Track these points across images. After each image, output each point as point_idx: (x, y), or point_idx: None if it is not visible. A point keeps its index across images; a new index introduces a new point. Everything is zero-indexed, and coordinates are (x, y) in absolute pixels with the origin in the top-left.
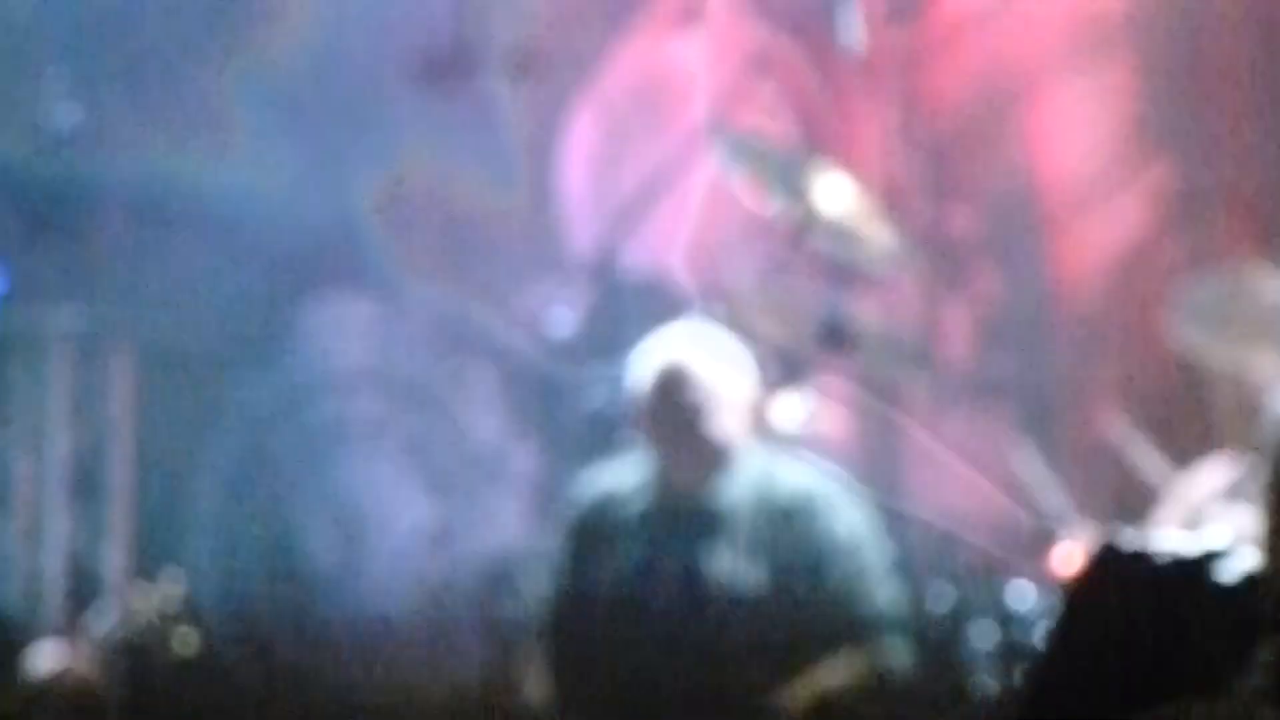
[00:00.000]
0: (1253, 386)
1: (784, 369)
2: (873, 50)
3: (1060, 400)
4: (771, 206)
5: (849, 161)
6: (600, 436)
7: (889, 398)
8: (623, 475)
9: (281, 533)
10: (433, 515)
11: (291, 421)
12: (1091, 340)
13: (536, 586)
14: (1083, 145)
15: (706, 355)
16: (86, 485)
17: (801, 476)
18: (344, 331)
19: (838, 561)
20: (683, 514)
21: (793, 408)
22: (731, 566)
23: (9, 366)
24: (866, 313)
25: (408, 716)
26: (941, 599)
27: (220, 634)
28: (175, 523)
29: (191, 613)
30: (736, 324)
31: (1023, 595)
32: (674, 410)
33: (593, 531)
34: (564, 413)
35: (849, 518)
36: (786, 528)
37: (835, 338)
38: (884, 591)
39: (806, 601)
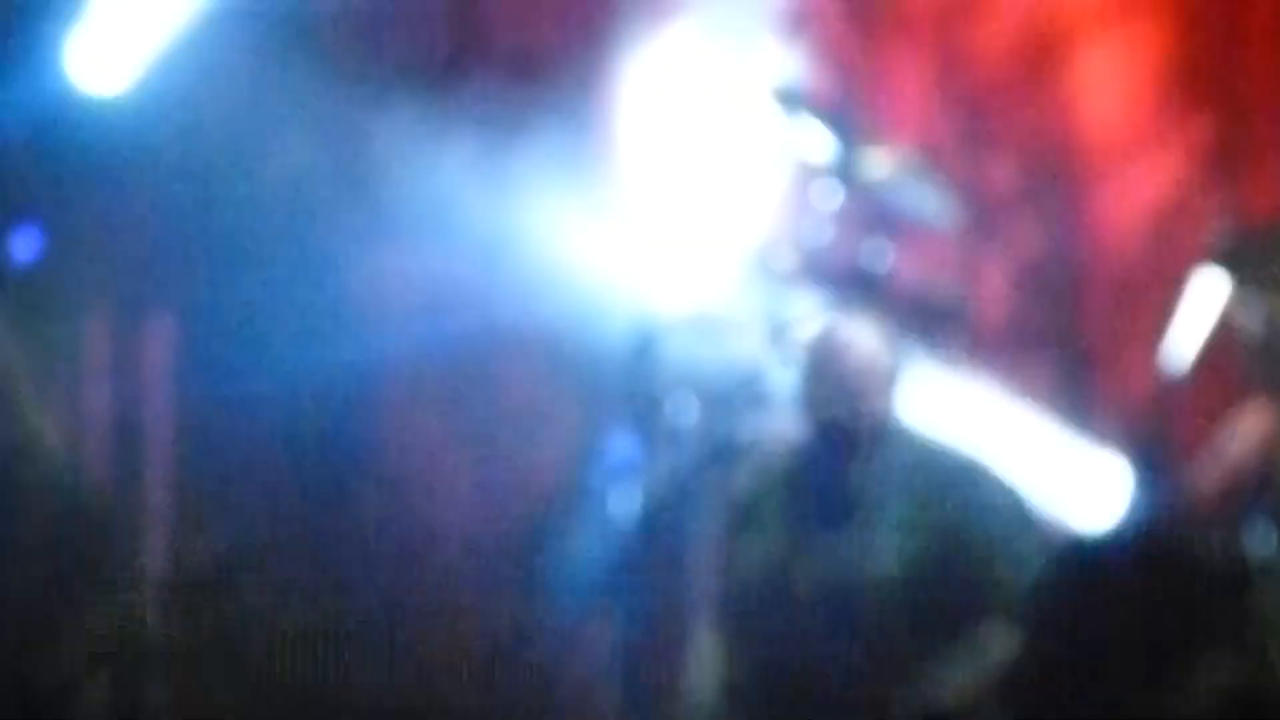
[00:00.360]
0: None
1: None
2: (910, 3)
3: (1098, 353)
4: (817, 161)
5: (887, 115)
6: (643, 393)
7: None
8: (782, 458)
9: (327, 485)
10: (474, 470)
11: (335, 375)
12: (1128, 292)
13: (576, 540)
14: (1120, 98)
15: (853, 338)
16: (127, 444)
17: (955, 450)
18: (389, 286)
19: (999, 533)
20: (838, 490)
21: None
22: (889, 542)
23: (45, 327)
24: (905, 266)
25: (452, 669)
26: None
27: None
28: (217, 479)
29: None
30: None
31: None
32: (827, 391)
33: (748, 505)
34: (605, 369)
35: (1006, 490)
36: (945, 502)
37: (871, 289)
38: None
39: (964, 576)
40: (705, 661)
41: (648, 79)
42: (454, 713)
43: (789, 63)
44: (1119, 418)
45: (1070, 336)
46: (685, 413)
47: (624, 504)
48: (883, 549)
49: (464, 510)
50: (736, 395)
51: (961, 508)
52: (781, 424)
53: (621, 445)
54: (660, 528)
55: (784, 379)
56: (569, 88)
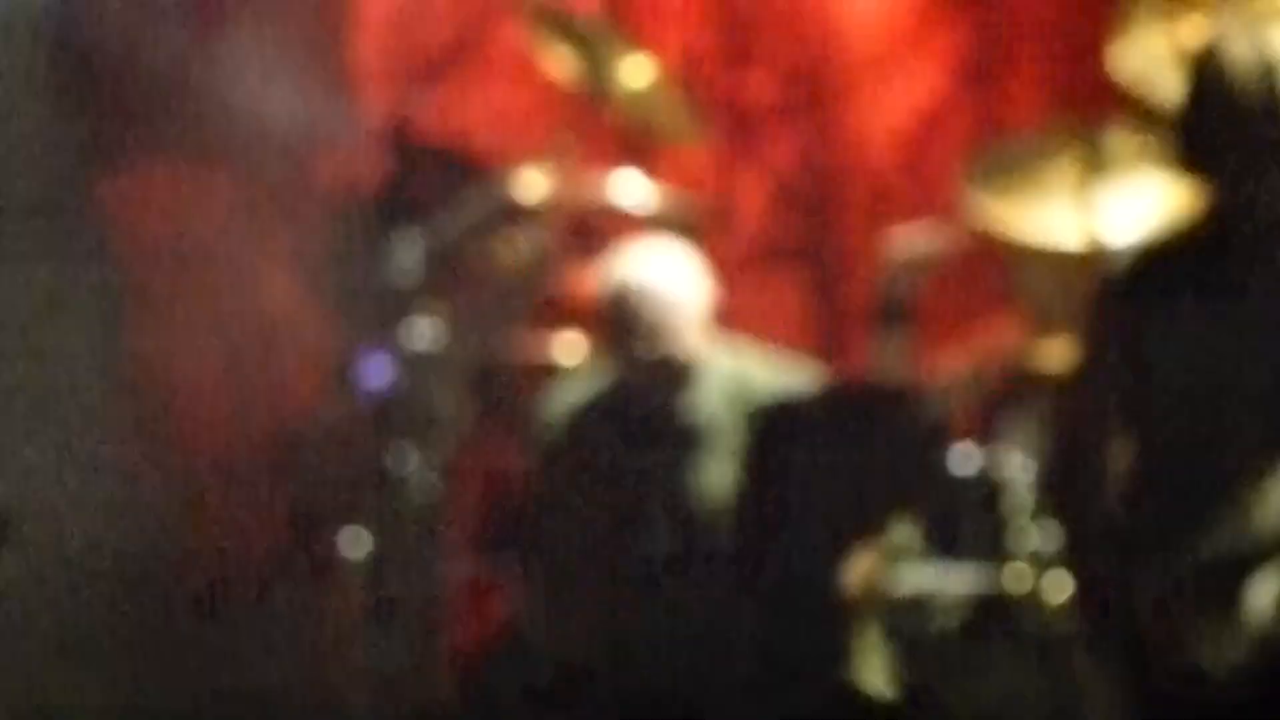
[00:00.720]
0: (1044, 252)
1: (579, 236)
2: None
3: (852, 266)
4: (570, 75)
5: (647, 29)
6: (396, 306)
7: None
8: (591, 390)
9: (75, 409)
10: (227, 390)
11: (86, 291)
12: (885, 206)
13: (330, 460)
14: (878, 9)
15: (658, 271)
16: None
17: (772, 376)
18: (139, 201)
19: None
20: (658, 429)
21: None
22: (716, 475)
23: None
24: (661, 181)
25: (208, 588)
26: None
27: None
28: None
29: None
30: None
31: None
32: (633, 332)
33: (569, 447)
34: (360, 282)
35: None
36: (765, 425)
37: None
38: None
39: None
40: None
41: None
42: (214, 630)
43: None
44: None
45: (825, 251)
46: (437, 335)
47: (377, 423)
48: (709, 478)
49: (217, 428)
50: (490, 317)
51: (783, 429)
52: (540, 349)
53: (375, 365)
54: (414, 447)
55: (542, 303)
56: None
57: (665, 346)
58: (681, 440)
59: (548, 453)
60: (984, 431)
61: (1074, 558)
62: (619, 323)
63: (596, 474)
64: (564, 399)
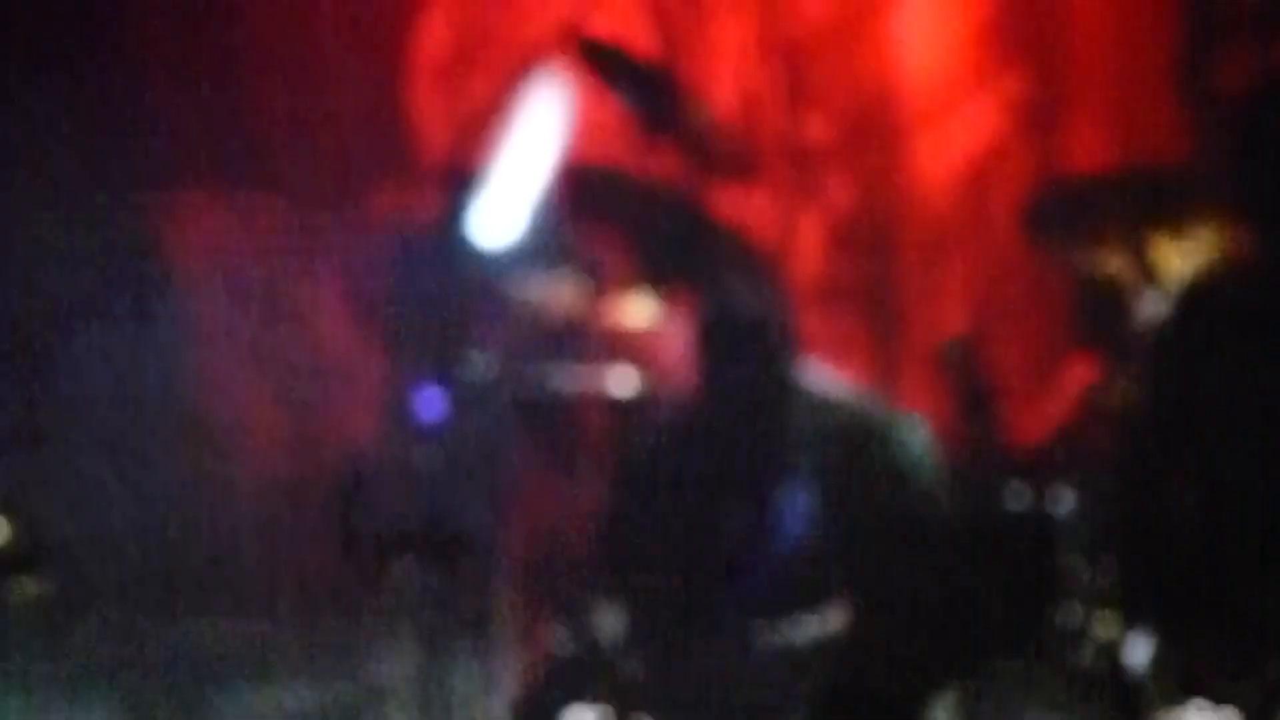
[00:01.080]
0: (1110, 290)
1: (634, 269)
2: None
3: (911, 306)
4: (626, 114)
5: (706, 68)
6: (452, 340)
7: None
8: (676, 418)
9: (132, 440)
10: (283, 422)
11: (140, 326)
12: (944, 247)
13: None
14: (937, 52)
15: (748, 297)
16: None
17: (857, 399)
18: (197, 236)
19: (914, 477)
20: (747, 455)
21: (641, 307)
22: (799, 493)
23: None
24: (721, 218)
25: (263, 626)
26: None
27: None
28: (17, 441)
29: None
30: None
31: None
32: (725, 358)
33: (654, 474)
34: (416, 319)
35: (912, 434)
36: (852, 451)
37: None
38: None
39: (880, 521)
40: (602, 621)
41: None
42: (271, 662)
43: (606, 14)
44: (929, 371)
45: (884, 290)
46: (491, 368)
47: (433, 456)
48: (801, 504)
49: (278, 463)
50: (544, 350)
51: (871, 456)
52: (594, 381)
53: (430, 399)
54: (467, 480)
55: (596, 337)
56: None
57: (753, 373)
58: (770, 466)
59: (632, 479)
60: (1039, 467)
61: (1130, 595)
62: (712, 347)
63: (682, 501)
64: (648, 427)
